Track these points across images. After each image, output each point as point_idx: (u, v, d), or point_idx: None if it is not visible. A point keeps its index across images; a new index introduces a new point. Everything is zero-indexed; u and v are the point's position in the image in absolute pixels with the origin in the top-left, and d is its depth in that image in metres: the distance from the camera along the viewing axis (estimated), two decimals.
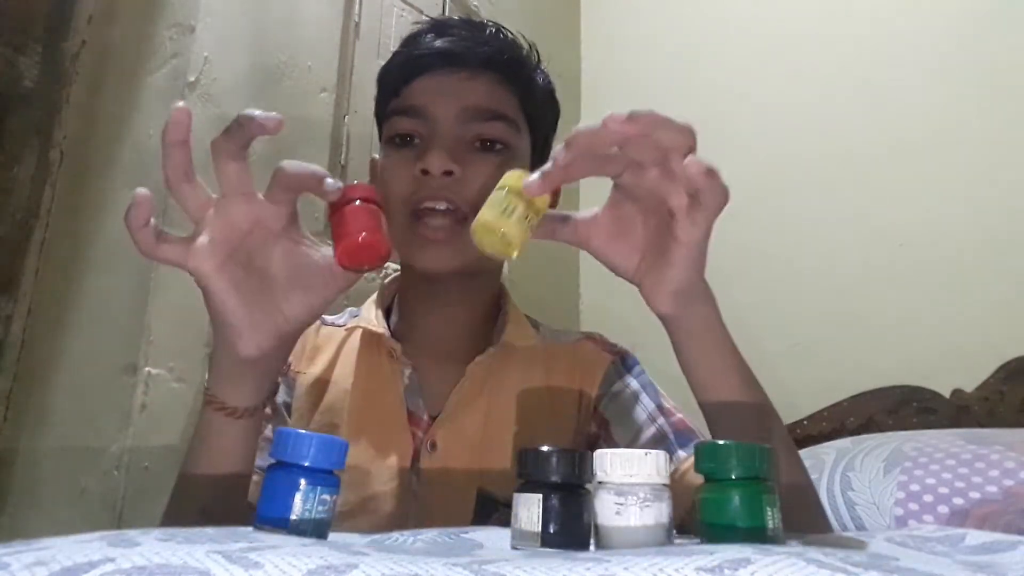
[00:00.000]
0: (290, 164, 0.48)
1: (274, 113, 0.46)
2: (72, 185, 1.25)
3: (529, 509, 0.34)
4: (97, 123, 1.26)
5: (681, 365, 0.54)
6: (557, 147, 0.46)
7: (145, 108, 1.22)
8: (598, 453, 0.36)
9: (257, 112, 0.45)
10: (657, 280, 0.49)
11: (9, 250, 1.20)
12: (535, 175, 0.46)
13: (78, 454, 1.07)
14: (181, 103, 0.45)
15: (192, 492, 0.54)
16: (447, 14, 1.58)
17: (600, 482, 0.36)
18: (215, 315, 0.48)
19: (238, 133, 0.46)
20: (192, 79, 1.18)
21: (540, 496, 0.34)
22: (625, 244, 0.51)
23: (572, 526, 0.34)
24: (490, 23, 0.75)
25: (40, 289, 1.21)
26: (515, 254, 0.47)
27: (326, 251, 0.51)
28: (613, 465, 0.35)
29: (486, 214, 0.46)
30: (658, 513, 0.34)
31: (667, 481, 0.36)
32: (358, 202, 0.49)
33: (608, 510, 0.35)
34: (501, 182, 0.48)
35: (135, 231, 0.45)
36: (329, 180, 0.48)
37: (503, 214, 0.46)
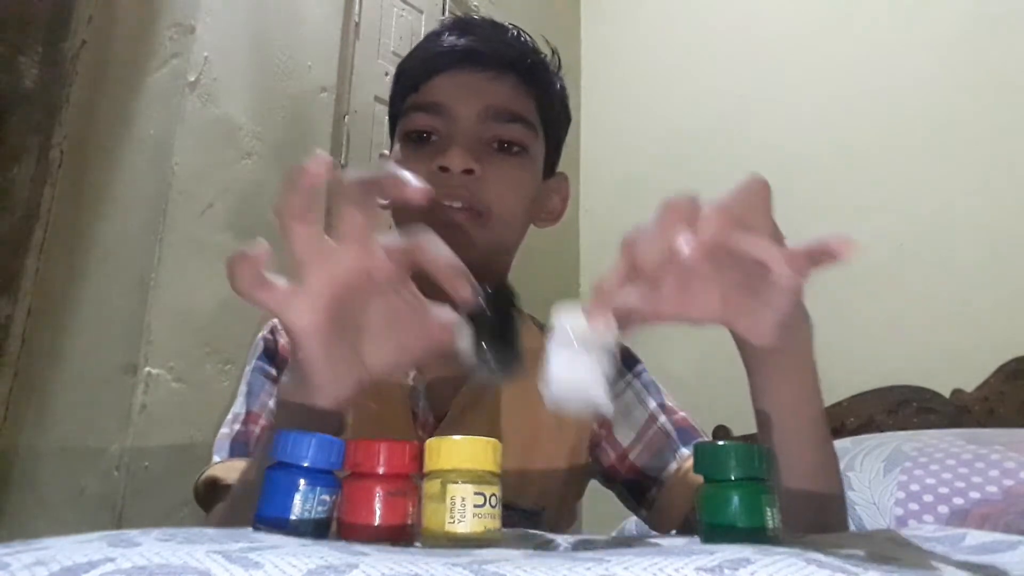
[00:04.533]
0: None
1: (418, 182, 0.42)
2: (72, 185, 1.25)
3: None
4: (97, 123, 1.26)
5: (764, 398, 0.48)
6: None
7: (145, 108, 1.22)
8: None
9: (403, 172, 0.42)
10: (756, 320, 0.42)
11: (9, 250, 1.20)
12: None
13: (78, 454, 1.07)
14: (321, 152, 0.40)
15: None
16: (447, 14, 1.58)
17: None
18: (297, 364, 0.45)
19: (374, 189, 0.43)
20: (192, 79, 1.18)
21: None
22: (697, 304, 0.44)
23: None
24: (511, 25, 0.75)
25: (40, 289, 1.21)
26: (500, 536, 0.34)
27: (435, 309, 0.46)
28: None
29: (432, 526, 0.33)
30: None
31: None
32: (383, 490, 0.34)
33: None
34: (428, 463, 0.34)
35: (238, 270, 0.41)
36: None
37: (451, 519, 0.32)
